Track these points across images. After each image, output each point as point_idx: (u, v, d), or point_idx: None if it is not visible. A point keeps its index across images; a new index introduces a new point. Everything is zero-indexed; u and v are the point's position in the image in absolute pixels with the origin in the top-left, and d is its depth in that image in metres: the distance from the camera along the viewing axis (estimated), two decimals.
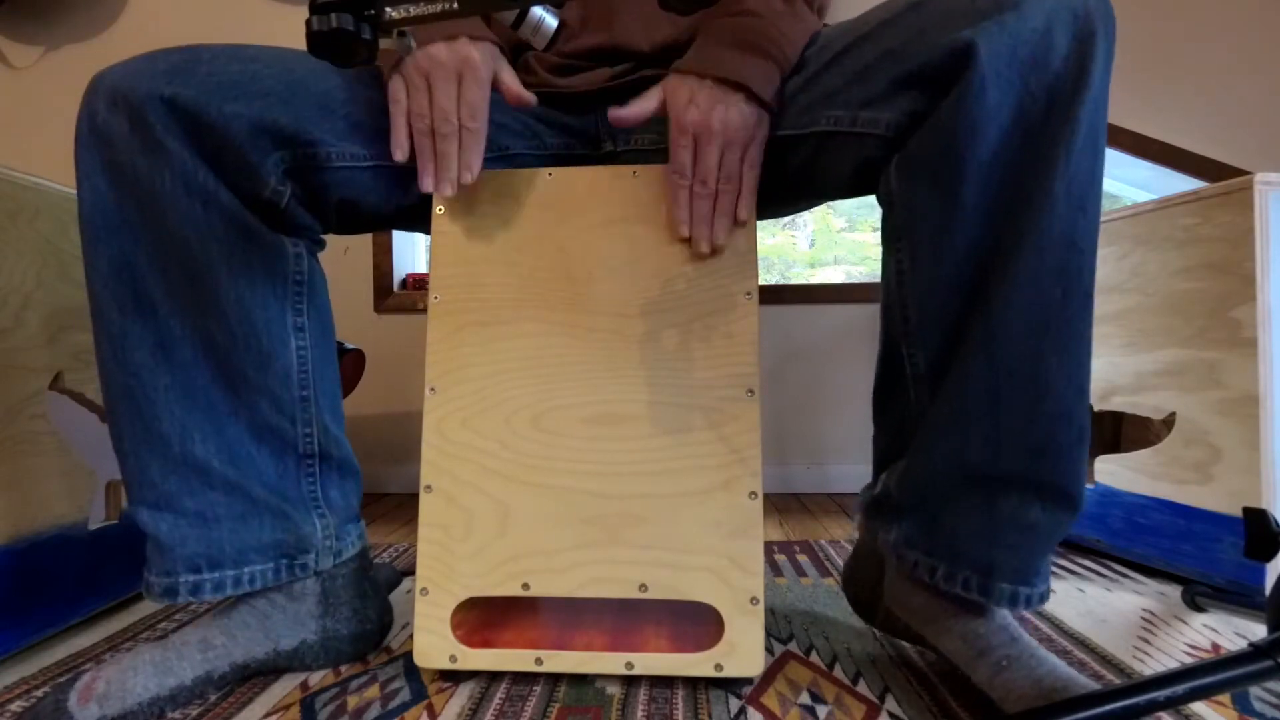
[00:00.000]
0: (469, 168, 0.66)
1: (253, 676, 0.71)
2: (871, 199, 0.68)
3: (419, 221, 0.77)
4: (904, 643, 0.77)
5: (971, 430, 0.60)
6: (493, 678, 0.70)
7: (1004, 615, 0.64)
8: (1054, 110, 0.55)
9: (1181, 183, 1.71)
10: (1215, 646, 0.77)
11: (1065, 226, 0.56)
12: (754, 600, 0.65)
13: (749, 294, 0.69)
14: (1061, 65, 0.55)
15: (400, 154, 0.66)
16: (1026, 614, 0.87)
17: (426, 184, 0.66)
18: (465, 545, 0.68)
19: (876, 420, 0.72)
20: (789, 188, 0.72)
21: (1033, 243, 0.56)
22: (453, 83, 0.65)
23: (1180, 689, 0.49)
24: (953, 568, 0.62)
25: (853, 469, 1.77)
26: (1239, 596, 0.86)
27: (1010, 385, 0.58)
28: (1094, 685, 0.56)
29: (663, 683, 0.69)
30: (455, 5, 0.48)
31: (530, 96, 0.69)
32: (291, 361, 0.69)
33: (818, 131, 0.66)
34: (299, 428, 0.70)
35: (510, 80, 0.68)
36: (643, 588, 0.66)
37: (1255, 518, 0.59)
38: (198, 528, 0.66)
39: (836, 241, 2.13)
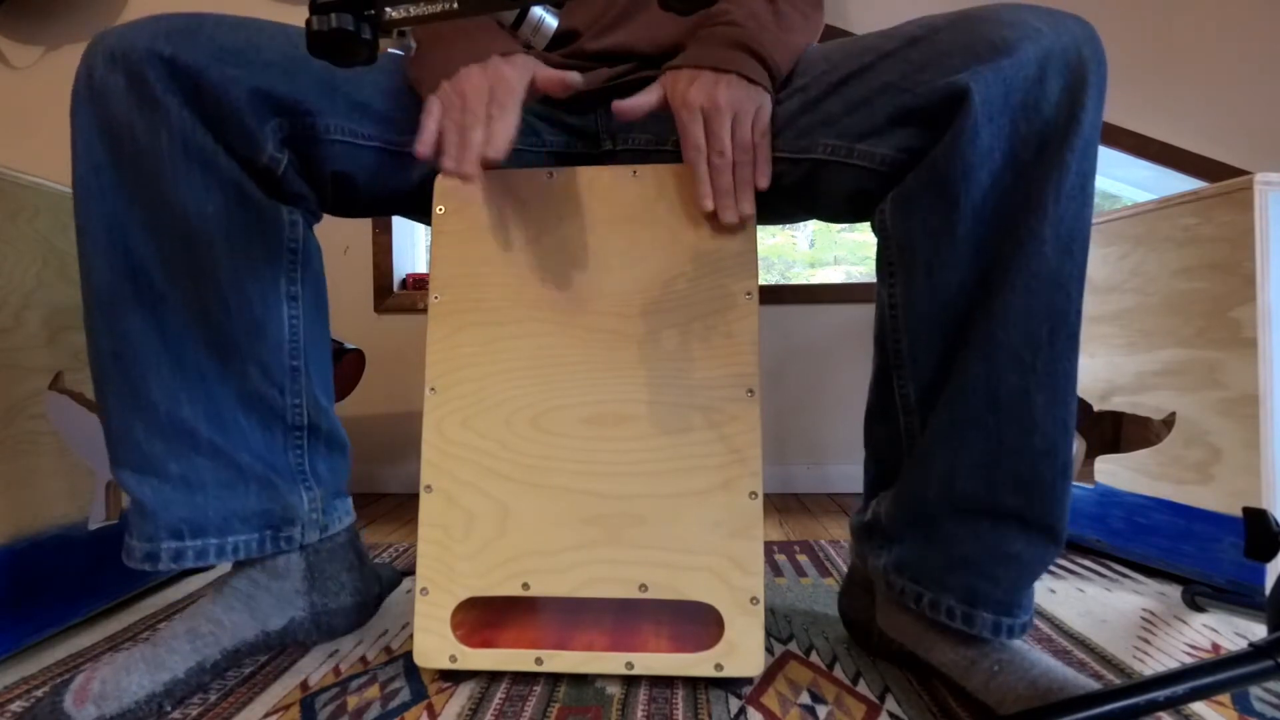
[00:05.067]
0: (495, 144, 0.61)
1: (246, 660, 0.71)
2: None
3: (417, 209, 0.77)
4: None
5: (957, 462, 0.61)
6: (493, 678, 0.70)
7: None
8: (1044, 154, 0.56)
9: (1181, 183, 1.71)
10: (1215, 646, 0.77)
11: (1053, 268, 0.57)
12: (754, 600, 0.65)
13: (749, 294, 0.69)
14: (1053, 111, 0.56)
15: (424, 148, 0.62)
16: None
17: (448, 165, 0.61)
18: (465, 545, 0.68)
19: (868, 446, 0.73)
20: (784, 205, 0.73)
21: (1021, 283, 0.57)
22: (485, 95, 0.63)
23: (1180, 689, 0.49)
24: (938, 596, 0.63)
25: (853, 469, 1.76)
26: (1239, 596, 0.86)
27: (997, 420, 0.59)
28: (1091, 685, 0.56)
29: (663, 683, 0.69)
30: (455, 5, 0.48)
31: (575, 76, 0.66)
32: (283, 330, 0.69)
33: (814, 159, 0.67)
34: (288, 398, 0.70)
35: (546, 73, 0.66)
36: (643, 588, 0.66)
37: (1255, 518, 0.59)
38: (182, 492, 0.66)
39: (836, 241, 2.13)
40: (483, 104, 0.63)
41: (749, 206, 0.66)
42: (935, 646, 0.65)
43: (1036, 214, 0.56)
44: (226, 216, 0.64)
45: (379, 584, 0.79)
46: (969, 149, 0.56)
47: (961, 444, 0.60)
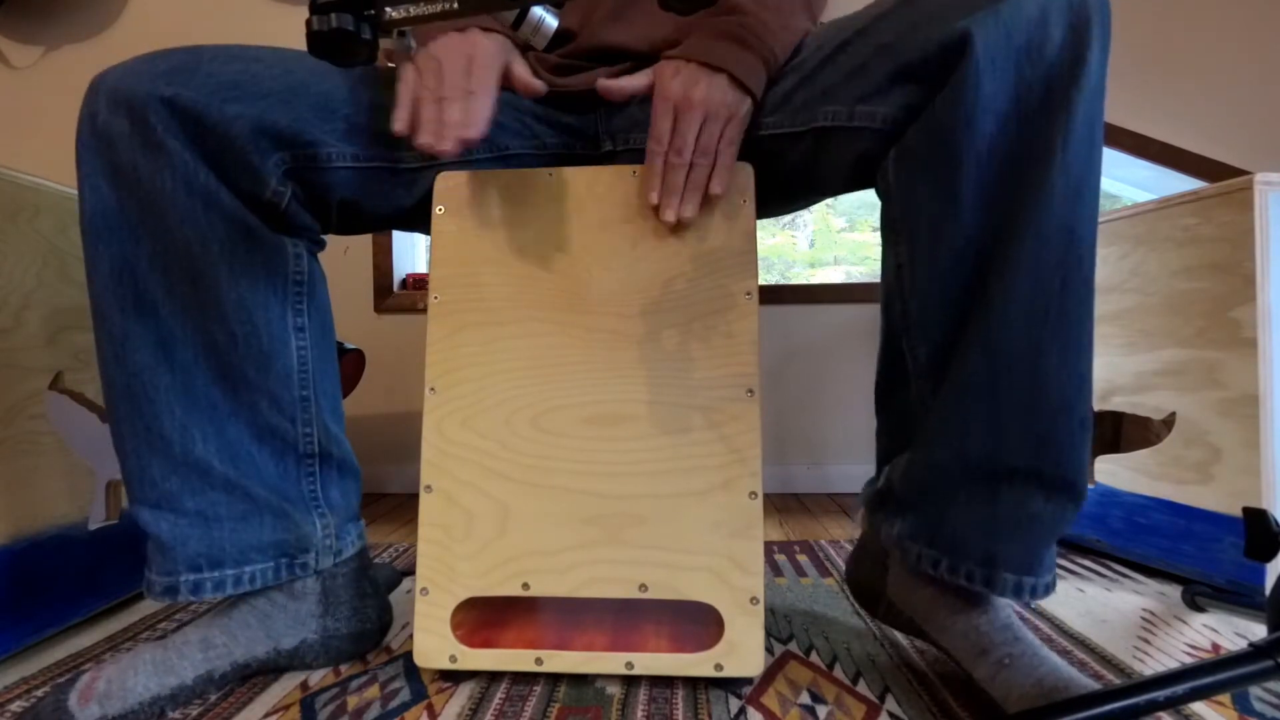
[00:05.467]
0: (474, 124, 0.61)
1: (253, 676, 0.71)
2: (872, 199, 0.68)
3: (419, 222, 0.77)
4: (904, 642, 0.77)
5: (972, 423, 0.60)
6: (493, 678, 0.70)
7: (1007, 613, 0.64)
8: (1050, 100, 0.55)
9: (1181, 183, 1.71)
10: (1215, 646, 0.77)
11: (1063, 217, 0.56)
12: (754, 600, 0.65)
13: (749, 294, 0.69)
14: (1057, 54, 0.55)
15: (400, 125, 0.62)
16: (1026, 615, 0.87)
17: (424, 141, 0.60)
18: (465, 545, 0.68)
19: (879, 414, 0.72)
20: (788, 186, 0.73)
21: (1030, 233, 0.56)
22: (462, 63, 0.65)
23: (1180, 689, 0.49)
24: (955, 560, 0.62)
25: (853, 469, 1.77)
26: (1239, 596, 0.86)
27: (1010, 377, 0.58)
28: (1095, 685, 0.56)
29: (663, 683, 0.69)
30: (455, 5, 0.48)
31: (540, 85, 0.69)
32: (292, 362, 0.70)
33: (815, 128, 0.66)
34: (299, 428, 0.71)
35: (521, 70, 0.69)
36: (643, 588, 0.66)
37: (1255, 518, 0.59)
38: (199, 527, 0.66)
39: (836, 241, 2.13)
40: (460, 76, 0.63)
41: (691, 210, 0.67)
42: (947, 624, 0.64)
43: (1045, 161, 0.55)
44: (230, 254, 0.65)
45: (388, 613, 0.79)
46: (971, 97, 0.55)
47: (974, 405, 0.59)
